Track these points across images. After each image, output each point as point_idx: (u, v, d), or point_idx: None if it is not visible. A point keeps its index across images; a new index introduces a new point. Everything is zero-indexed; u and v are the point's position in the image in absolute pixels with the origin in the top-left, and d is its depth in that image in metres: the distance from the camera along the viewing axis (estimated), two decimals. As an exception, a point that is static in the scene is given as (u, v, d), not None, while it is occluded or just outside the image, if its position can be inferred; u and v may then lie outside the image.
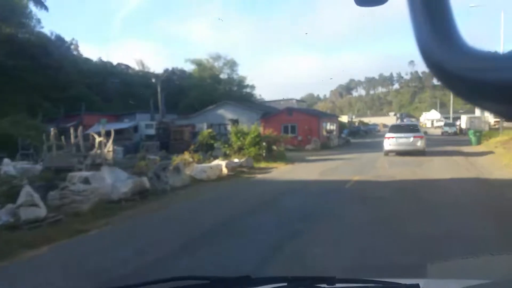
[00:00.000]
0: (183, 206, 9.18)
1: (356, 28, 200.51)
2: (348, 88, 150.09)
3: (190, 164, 15.50)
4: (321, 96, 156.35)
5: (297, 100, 52.40)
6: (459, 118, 53.94)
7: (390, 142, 19.03)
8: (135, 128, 32.89)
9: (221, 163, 14.65)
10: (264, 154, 18.40)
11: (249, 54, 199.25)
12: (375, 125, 67.95)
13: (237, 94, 50.24)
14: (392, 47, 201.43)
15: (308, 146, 27.13)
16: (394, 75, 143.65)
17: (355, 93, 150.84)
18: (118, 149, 23.99)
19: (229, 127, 22.99)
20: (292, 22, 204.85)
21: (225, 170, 14.42)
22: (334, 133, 33.63)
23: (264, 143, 18.49)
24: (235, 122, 22.46)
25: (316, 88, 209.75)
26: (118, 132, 32.64)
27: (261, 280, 1.40)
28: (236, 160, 15.94)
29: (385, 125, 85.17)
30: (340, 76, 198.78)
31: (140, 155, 18.39)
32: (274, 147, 19.97)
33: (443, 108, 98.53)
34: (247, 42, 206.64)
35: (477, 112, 65.18)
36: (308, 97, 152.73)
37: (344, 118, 63.90)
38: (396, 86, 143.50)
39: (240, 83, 53.57)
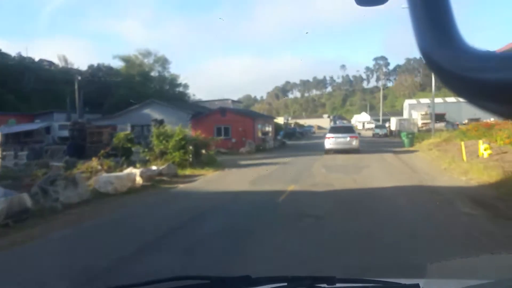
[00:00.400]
0: (58, 237, 6.75)
1: (290, 31, 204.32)
2: (284, 90, 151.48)
3: (98, 173, 12.92)
4: (258, 97, 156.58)
5: (233, 101, 50.54)
6: (388, 120, 55.54)
7: (330, 141, 20.85)
8: (48, 129, 28.94)
9: (134, 172, 12.26)
10: (190, 159, 16.22)
11: (186, 54, 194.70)
12: (310, 126, 68.21)
13: (169, 93, 47.26)
14: (325, 52, 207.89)
15: (242, 149, 25.32)
16: (327, 78, 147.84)
17: (290, 95, 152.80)
18: (22, 154, 20.51)
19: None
20: (230, 23, 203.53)
21: (139, 180, 12.05)
22: (270, 135, 32.23)
23: (190, 147, 16.31)
24: (159, 122, 19.99)
25: (253, 90, 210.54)
26: (27, 134, 28.64)
27: (261, 280, 1.38)
28: (154, 167, 13.59)
29: (319, 127, 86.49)
30: (276, 78, 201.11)
31: (39, 162, 15.30)
32: (203, 151, 17.86)
33: (372, 110, 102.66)
34: (184, 41, 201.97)
35: (405, 114, 67.98)
36: (245, 98, 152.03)
37: (280, 120, 63.30)
38: (329, 89, 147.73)
39: (172, 81, 50.57)
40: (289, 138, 45.70)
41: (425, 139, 25.10)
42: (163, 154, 16.15)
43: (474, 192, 9.47)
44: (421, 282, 1.43)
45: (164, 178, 13.57)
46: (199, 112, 29.28)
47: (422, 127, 49.53)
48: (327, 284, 1.35)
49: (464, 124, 56.04)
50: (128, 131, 19.01)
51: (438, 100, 77.20)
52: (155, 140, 16.49)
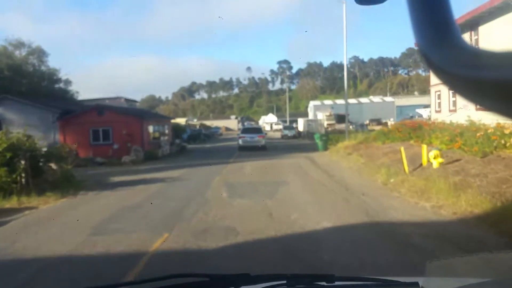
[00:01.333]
0: None
1: (194, 32, 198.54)
2: (190, 91, 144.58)
3: None
4: (163, 98, 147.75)
5: (127, 99, 43.79)
6: (295, 121, 53.47)
7: (242, 140, 24.23)
8: None
9: None
10: (23, 181, 10.37)
11: (82, 51, 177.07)
12: (217, 128, 63.51)
13: (47, 90, 38.82)
14: (230, 54, 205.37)
15: (125, 157, 19.60)
16: (234, 80, 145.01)
17: (197, 96, 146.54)
18: None
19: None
20: (130, 22, 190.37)
21: None
22: (166, 138, 26.81)
23: (23, 161, 10.44)
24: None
25: (158, 90, 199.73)
26: None
27: (261, 278, 1.36)
28: None
29: (227, 128, 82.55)
30: (182, 79, 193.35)
31: None
32: (53, 166, 12.07)
33: (279, 112, 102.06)
34: (79, 38, 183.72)
35: (310, 115, 67.16)
36: (149, 98, 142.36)
37: (183, 121, 57.71)
38: (236, 90, 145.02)
39: (51, 76, 41.84)
40: (193, 141, 40.71)
41: (340, 142, 22.05)
42: (-25, 174, 10.06)
43: (466, 236, 5.59)
44: (420, 280, 1.40)
45: (-48, 220, 7.71)
46: (70, 111, 22.67)
47: (327, 127, 48.21)
48: (326, 282, 1.34)
49: (366, 124, 56.45)
50: None
51: (340, 101, 78.44)
52: (-37, 152, 10.27)
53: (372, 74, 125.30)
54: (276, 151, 22.59)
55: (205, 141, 42.84)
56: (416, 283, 1.36)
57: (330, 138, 22.70)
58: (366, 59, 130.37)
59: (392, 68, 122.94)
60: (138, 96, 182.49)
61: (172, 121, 56.57)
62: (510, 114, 0.33)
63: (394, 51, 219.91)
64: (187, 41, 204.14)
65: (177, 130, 42.75)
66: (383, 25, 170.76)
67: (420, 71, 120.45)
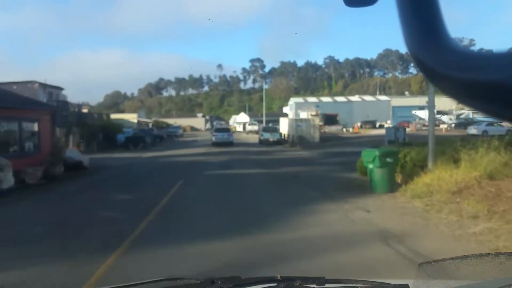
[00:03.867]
0: None
1: (163, 27, 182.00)
2: (157, 87, 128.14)
3: None
4: (129, 94, 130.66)
5: (44, 84, 28.81)
6: (272, 121, 40.04)
7: (215, 137, 27.64)
8: None
9: None
10: None
11: (43, 44, 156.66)
12: (177, 127, 48.28)
13: None
14: (200, 51, 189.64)
15: None
16: (204, 77, 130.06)
17: (165, 93, 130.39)
18: None
19: None
20: (93, 14, 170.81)
21: None
22: (32, 149, 12.26)
23: None
24: None
25: (123, 86, 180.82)
26: None
27: (251, 280, 1.30)
28: None
29: (193, 128, 68.00)
30: (149, 75, 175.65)
31: None
32: None
33: (251, 111, 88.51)
34: (41, 30, 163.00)
35: (290, 114, 54.02)
36: (114, 94, 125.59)
37: (133, 117, 42.92)
38: (206, 88, 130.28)
39: None
40: (134, 146, 26.41)
41: (417, 173, 8.52)
42: None
43: None
44: (410, 282, 1.34)
45: None
46: None
47: (319, 128, 34.48)
48: (317, 285, 1.28)
49: (361, 127, 43.61)
50: None
51: (327, 99, 65.67)
52: None
53: (348, 75, 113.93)
54: (267, 192, 8.83)
55: (152, 146, 28.44)
56: (406, 285, 1.29)
57: (400, 155, 8.98)
58: (341, 60, 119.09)
59: (368, 70, 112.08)
60: (102, 91, 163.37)
61: (117, 116, 40.96)
62: (502, 115, 0.31)
63: (370, 52, 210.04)
64: (154, 36, 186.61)
65: (109, 130, 28.29)
66: (360, 26, 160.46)
67: (396, 73, 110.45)
